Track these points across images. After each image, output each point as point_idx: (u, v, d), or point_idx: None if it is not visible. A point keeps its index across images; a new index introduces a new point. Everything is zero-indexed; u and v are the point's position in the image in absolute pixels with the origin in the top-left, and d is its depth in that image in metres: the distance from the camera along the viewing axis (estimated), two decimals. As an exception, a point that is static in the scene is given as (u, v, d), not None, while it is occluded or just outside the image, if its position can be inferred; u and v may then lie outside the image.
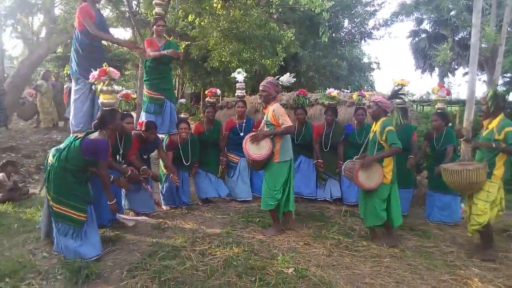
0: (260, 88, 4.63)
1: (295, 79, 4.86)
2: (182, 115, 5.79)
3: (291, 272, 3.56)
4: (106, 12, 14.42)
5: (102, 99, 3.98)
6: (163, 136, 5.67)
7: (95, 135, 3.71)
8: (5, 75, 13.53)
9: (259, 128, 4.80)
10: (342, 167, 4.76)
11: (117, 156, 4.66)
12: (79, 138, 3.71)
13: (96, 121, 3.81)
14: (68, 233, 3.66)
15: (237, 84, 6.48)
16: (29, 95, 14.26)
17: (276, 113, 4.44)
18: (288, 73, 4.86)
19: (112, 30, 19.08)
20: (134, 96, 5.52)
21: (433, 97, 5.81)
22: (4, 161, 6.42)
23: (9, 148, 8.86)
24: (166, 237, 4.46)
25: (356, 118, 6.08)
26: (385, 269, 3.78)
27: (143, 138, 5.04)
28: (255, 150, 4.41)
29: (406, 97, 6.23)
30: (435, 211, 5.47)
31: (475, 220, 4.17)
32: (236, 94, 6.59)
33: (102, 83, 3.98)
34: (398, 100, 4.75)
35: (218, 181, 6.08)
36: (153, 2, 5.77)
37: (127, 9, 10.71)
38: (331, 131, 6.03)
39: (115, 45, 19.02)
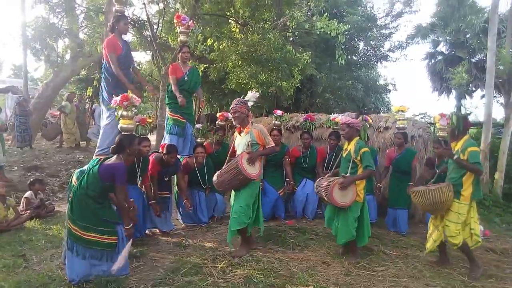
0: (231, 111, 4.72)
1: (258, 95, 4.94)
2: (198, 140, 5.99)
3: (311, 290, 3.63)
4: (129, 36, 14.99)
5: (121, 124, 4.09)
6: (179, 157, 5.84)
7: (112, 159, 3.79)
8: (30, 96, 14.03)
9: (240, 148, 4.75)
10: (315, 184, 4.85)
11: (136, 179, 4.90)
12: (98, 164, 3.77)
13: (114, 145, 3.86)
14: (102, 258, 3.73)
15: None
16: (51, 116, 14.75)
17: (263, 133, 4.62)
18: (251, 91, 4.91)
19: (133, 54, 19.72)
20: (150, 120, 5.65)
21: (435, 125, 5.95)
22: (32, 179, 6.68)
23: (34, 167, 9.14)
24: (187, 254, 4.58)
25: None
26: (403, 289, 3.82)
27: (164, 161, 5.21)
28: (251, 169, 4.44)
29: (408, 121, 6.42)
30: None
31: (451, 241, 4.27)
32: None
33: (122, 109, 4.10)
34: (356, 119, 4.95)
35: (221, 202, 6.22)
36: (178, 31, 6.06)
37: (149, 33, 11.13)
38: (333, 154, 6.18)
39: (138, 67, 19.69)
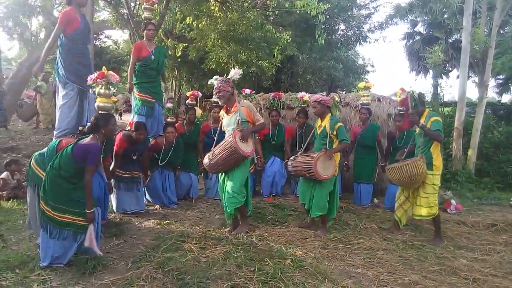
0: (215, 91, 4.65)
1: (241, 72, 4.91)
2: (169, 119, 5.85)
3: (289, 263, 3.74)
4: (105, 14, 14.64)
5: (98, 102, 3.96)
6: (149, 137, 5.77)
7: (87, 139, 3.63)
8: (4, 76, 13.63)
9: (226, 127, 4.79)
10: (289, 162, 4.94)
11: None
12: (71, 144, 3.64)
13: (90, 124, 3.74)
14: (75, 240, 3.60)
15: (214, 90, 6.65)
16: (27, 96, 14.38)
17: (251, 111, 4.61)
18: (235, 69, 4.85)
19: (110, 32, 19.19)
20: (115, 99, 5.51)
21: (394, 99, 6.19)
22: (8, 160, 6.57)
23: (10, 148, 8.98)
24: (168, 231, 4.63)
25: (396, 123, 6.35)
26: (377, 261, 3.97)
27: (133, 139, 5.06)
28: (245, 147, 4.44)
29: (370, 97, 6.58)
30: None
31: (429, 212, 4.52)
32: (212, 99, 6.74)
33: (99, 86, 3.97)
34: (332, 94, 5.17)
35: (195, 182, 6.25)
36: (142, 7, 5.83)
37: (126, 11, 10.90)
38: (302, 132, 6.32)
39: (114, 46, 19.26)
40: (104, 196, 4.54)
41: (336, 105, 4.97)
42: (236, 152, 4.33)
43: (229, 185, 4.58)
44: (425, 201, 4.51)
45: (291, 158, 4.97)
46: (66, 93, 4.68)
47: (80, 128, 4.18)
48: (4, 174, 6.16)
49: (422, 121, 4.48)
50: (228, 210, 4.59)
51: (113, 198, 5.22)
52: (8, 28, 12.71)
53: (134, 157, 5.24)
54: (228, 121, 4.68)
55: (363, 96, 6.29)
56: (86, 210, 3.56)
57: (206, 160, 4.63)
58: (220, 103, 4.88)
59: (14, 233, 4.52)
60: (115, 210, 5.24)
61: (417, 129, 4.63)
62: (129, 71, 5.72)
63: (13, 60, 24.73)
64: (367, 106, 6.24)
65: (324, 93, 5.10)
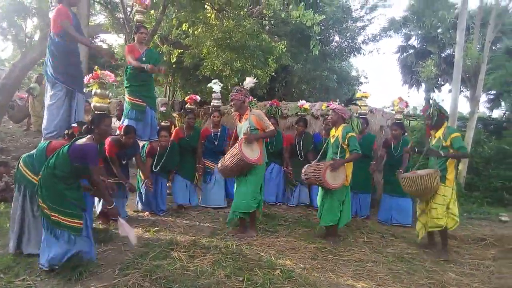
0: (230, 99, 4.90)
1: (255, 81, 5.05)
2: (163, 123, 5.79)
3: (278, 274, 3.71)
4: (100, 18, 14.60)
5: (94, 102, 4.00)
6: (144, 143, 5.72)
7: (83, 140, 3.60)
8: (-4, 77, 13.50)
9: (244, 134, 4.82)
10: (303, 171, 4.98)
11: None
12: (67, 144, 3.62)
13: (86, 125, 3.75)
14: (69, 241, 3.54)
15: (213, 95, 6.67)
16: (18, 98, 14.23)
17: (261, 118, 4.76)
18: (249, 77, 4.99)
19: (105, 36, 19.13)
20: (108, 101, 5.32)
21: (391, 109, 6.30)
22: (-4, 162, 6.49)
23: (0, 150, 8.88)
24: (156, 239, 4.58)
25: (324, 128, 6.49)
26: (367, 273, 3.96)
27: (122, 143, 4.97)
28: (251, 153, 4.60)
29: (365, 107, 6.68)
30: (392, 214, 5.91)
31: (435, 223, 4.56)
32: (212, 104, 6.75)
33: (96, 86, 3.97)
34: (353, 107, 5.13)
35: (192, 189, 6.20)
36: (134, 10, 5.80)
37: (122, 15, 10.87)
38: (301, 140, 6.35)
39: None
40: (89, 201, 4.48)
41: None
42: (241, 159, 4.52)
43: (241, 189, 4.77)
44: (434, 212, 4.55)
45: (305, 166, 5.00)
46: (54, 93, 4.54)
47: (66, 131, 4.14)
48: (-8, 176, 6.08)
49: (439, 133, 4.53)
50: (237, 212, 4.75)
51: (96, 205, 5.09)
52: (2, 28, 12.64)
53: (124, 162, 5.18)
54: (240, 128, 4.88)
55: (362, 106, 6.34)
56: (107, 207, 3.77)
57: (219, 165, 4.88)
58: (232, 110, 5.10)
59: (0, 236, 4.43)
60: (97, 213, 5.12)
61: (433, 141, 4.65)
62: (135, 65, 5.48)
63: (6, 61, 24.51)
64: (365, 116, 6.28)
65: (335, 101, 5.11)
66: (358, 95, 6.56)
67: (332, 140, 4.87)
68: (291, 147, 6.50)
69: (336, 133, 4.79)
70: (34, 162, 3.85)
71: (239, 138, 4.83)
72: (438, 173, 4.46)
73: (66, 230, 3.53)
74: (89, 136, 3.64)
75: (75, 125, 4.16)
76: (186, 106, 6.55)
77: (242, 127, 4.82)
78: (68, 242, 3.54)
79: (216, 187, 6.25)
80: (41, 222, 3.64)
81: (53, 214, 3.50)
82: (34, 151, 4.00)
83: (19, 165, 3.94)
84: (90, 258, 3.68)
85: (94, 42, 17.92)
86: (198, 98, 6.71)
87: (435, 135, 4.66)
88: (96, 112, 3.90)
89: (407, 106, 6.35)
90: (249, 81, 4.91)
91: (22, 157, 4.01)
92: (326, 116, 6.67)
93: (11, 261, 3.71)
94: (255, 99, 7.10)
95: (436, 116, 4.56)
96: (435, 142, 4.61)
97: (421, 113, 5.10)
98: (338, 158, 4.68)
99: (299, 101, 7.45)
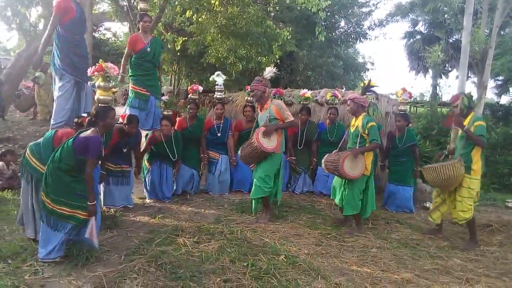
0: (250, 90, 5.05)
1: (276, 70, 5.06)
2: (165, 112, 5.76)
3: (282, 259, 3.74)
4: (105, 6, 14.54)
5: (98, 95, 3.94)
6: (148, 132, 5.73)
7: (87, 132, 3.59)
8: (2, 66, 13.56)
9: (263, 124, 4.91)
10: (323, 160, 4.95)
11: None
12: (71, 137, 3.60)
13: (91, 118, 3.71)
14: (74, 231, 3.58)
15: (216, 87, 6.63)
16: (24, 87, 14.30)
17: (280, 108, 4.79)
18: (269, 67, 5.01)
19: (109, 24, 19.09)
20: (115, 90, 5.50)
21: (394, 98, 6.20)
22: (3, 150, 6.55)
23: (6, 139, 8.96)
24: (162, 225, 4.63)
25: (329, 117, 6.51)
26: (371, 258, 3.97)
27: (124, 131, 4.99)
28: (267, 143, 4.69)
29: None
30: (396, 202, 5.95)
31: (462, 216, 4.47)
32: (214, 96, 6.70)
33: (99, 79, 3.93)
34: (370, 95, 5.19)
35: (196, 177, 6.19)
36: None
37: (125, 3, 10.82)
38: (305, 129, 6.32)
39: (113, 38, 19.18)
40: (96, 189, 4.52)
41: (376, 107, 5.05)
42: (258, 147, 4.66)
43: (255, 175, 4.94)
44: (459, 205, 4.49)
45: (325, 156, 4.95)
46: (62, 84, 4.64)
47: (75, 119, 4.15)
48: (-1, 164, 6.14)
49: (465, 123, 4.45)
50: (252, 197, 4.92)
51: (101, 192, 5.11)
52: (6, 18, 12.58)
53: (125, 150, 5.18)
54: (261, 118, 4.97)
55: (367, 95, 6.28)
56: (88, 203, 3.54)
57: (239, 152, 5.07)
58: (254, 101, 5.29)
59: (7, 223, 4.50)
60: (102, 204, 5.11)
61: (459, 132, 4.60)
62: (122, 63, 5.67)
63: (11, 51, 24.58)
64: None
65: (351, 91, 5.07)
66: (362, 83, 6.48)
67: (352, 129, 4.82)
68: (294, 135, 6.48)
69: (356, 122, 4.73)
70: (40, 151, 3.87)
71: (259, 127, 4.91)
72: (462, 163, 4.38)
73: (72, 222, 3.53)
74: (93, 128, 3.62)
75: (85, 115, 4.19)
76: (188, 96, 6.49)
77: (262, 116, 4.91)
78: (70, 234, 3.55)
79: (220, 176, 6.27)
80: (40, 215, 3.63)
81: (58, 207, 3.50)
82: (40, 139, 4.01)
83: (26, 154, 3.96)
84: (91, 244, 3.67)
85: (98, 30, 17.91)
86: (200, 88, 6.67)
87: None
88: (100, 104, 3.87)
89: (411, 97, 6.28)
90: (269, 71, 4.95)
91: (28, 146, 4.03)
92: (330, 105, 6.66)
93: (19, 247, 3.76)
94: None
95: (466, 107, 4.51)
96: (461, 132, 4.54)
97: (451, 102, 5.01)
98: (357, 147, 4.64)
99: (301, 89, 7.35)
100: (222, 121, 6.30)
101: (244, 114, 6.53)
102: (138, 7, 5.86)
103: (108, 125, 3.86)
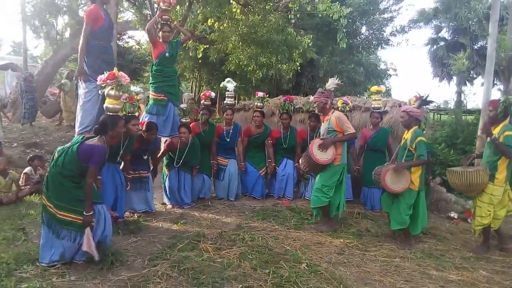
0: (312, 102, 5.36)
1: (339, 81, 5.07)
2: (183, 120, 5.81)
3: (304, 267, 3.73)
4: (128, 15, 14.86)
5: (107, 103, 3.94)
6: (167, 138, 5.78)
7: (94, 140, 3.56)
8: (34, 74, 13.97)
9: (321, 135, 5.02)
10: (373, 172, 4.96)
11: (117, 158, 4.64)
12: (77, 142, 3.59)
13: (97, 125, 3.65)
14: (76, 239, 3.50)
15: (227, 93, 6.67)
16: (50, 93, 14.70)
17: (340, 120, 4.79)
18: (332, 78, 5.06)
19: (133, 33, 19.47)
20: (138, 97, 5.41)
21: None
22: (31, 155, 6.73)
23: (33, 144, 9.18)
24: (184, 231, 4.68)
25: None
26: (394, 268, 3.91)
27: (144, 138, 5.07)
28: (321, 154, 4.74)
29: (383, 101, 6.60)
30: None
31: (479, 221, 4.46)
32: (225, 102, 6.73)
33: (109, 87, 3.94)
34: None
35: (208, 182, 6.23)
36: (159, 7, 5.71)
37: (149, 12, 11.04)
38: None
39: (137, 46, 19.55)
40: (120, 194, 4.62)
41: (426, 119, 5.00)
42: (311, 158, 4.75)
43: (315, 185, 5.02)
44: (478, 210, 4.47)
45: (375, 168, 4.95)
46: (89, 90, 4.74)
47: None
48: (27, 169, 6.31)
49: (496, 131, 4.39)
50: (311, 206, 5.04)
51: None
52: (35, 27, 13.01)
53: (145, 157, 5.28)
54: (322, 129, 5.06)
55: (375, 100, 6.26)
56: (84, 213, 3.45)
57: (300, 161, 5.21)
58: (317, 112, 5.52)
59: (35, 226, 4.62)
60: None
61: (488, 139, 4.55)
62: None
63: (38, 58, 25.30)
64: (379, 110, 6.19)
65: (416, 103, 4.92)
66: (372, 89, 6.44)
67: (402, 142, 4.76)
68: (303, 141, 6.47)
69: (406, 135, 4.65)
70: None
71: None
72: (487, 171, 4.34)
73: (73, 229, 3.49)
74: (99, 137, 3.58)
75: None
76: (201, 102, 6.56)
77: (322, 127, 4.99)
78: (73, 241, 3.51)
79: (230, 182, 6.30)
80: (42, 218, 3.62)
81: (59, 212, 3.47)
82: (67, 145, 4.11)
83: (53, 158, 4.06)
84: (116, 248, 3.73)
85: (122, 39, 18.30)
86: (213, 94, 6.72)
87: (492, 132, 4.52)
88: (109, 113, 3.89)
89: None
90: (331, 83, 4.98)
91: (56, 150, 4.12)
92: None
93: (46, 250, 3.85)
94: (267, 95, 7.05)
95: (503, 112, 4.41)
96: (489, 139, 4.50)
97: (489, 107, 4.90)
98: (403, 161, 4.58)
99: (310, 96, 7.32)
100: (231, 126, 6.36)
101: (253, 120, 6.57)
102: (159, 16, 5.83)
103: (117, 134, 3.88)
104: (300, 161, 5.19)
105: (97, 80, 4.58)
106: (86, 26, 4.65)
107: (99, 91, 4.68)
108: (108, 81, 3.93)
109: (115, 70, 4.00)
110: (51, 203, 3.50)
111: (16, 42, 36.71)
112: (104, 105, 4.01)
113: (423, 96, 4.86)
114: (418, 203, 4.65)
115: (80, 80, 4.81)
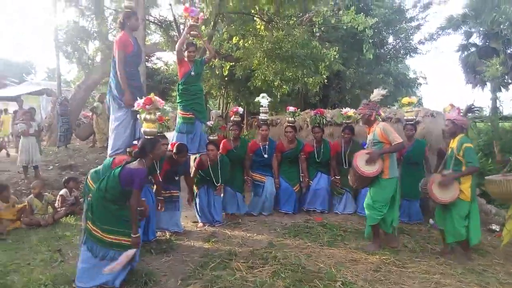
0: (358, 113, 5.31)
1: (383, 93, 5.02)
2: (210, 137, 5.79)
3: (339, 286, 3.62)
4: (156, 37, 15.26)
5: (144, 127, 4.03)
6: (196, 155, 5.81)
7: (134, 164, 3.66)
8: (69, 98, 14.50)
9: (366, 147, 4.97)
10: (419, 184, 4.84)
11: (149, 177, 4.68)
12: (119, 167, 3.70)
13: (137, 150, 3.76)
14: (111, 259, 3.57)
15: (261, 108, 6.67)
16: (84, 116, 15.20)
17: (385, 131, 4.64)
18: (376, 90, 5.00)
19: (161, 54, 19.95)
20: (167, 118, 5.58)
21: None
22: (66, 177, 6.93)
23: (68, 166, 9.46)
24: (215, 249, 4.65)
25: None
26: (434, 285, 3.75)
27: (174, 160, 5.07)
28: (367, 167, 4.59)
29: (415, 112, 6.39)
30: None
31: (510, 236, 4.37)
32: (259, 118, 6.73)
33: (146, 112, 4.02)
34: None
35: (241, 198, 6.19)
36: (187, 24, 5.79)
37: (175, 33, 11.30)
38: (348, 148, 6.17)
39: (165, 67, 20.03)
40: (152, 214, 4.66)
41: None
42: (356, 171, 4.62)
43: (365, 201, 4.86)
44: (509, 222, 4.32)
45: (423, 179, 4.86)
46: (120, 114, 4.87)
47: (129, 149, 4.31)
48: (62, 191, 6.48)
49: None
50: (367, 224, 4.83)
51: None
52: (67, 52, 13.54)
53: (176, 178, 5.31)
54: (368, 141, 4.95)
55: (407, 112, 6.07)
56: (132, 235, 3.57)
57: (348, 176, 5.08)
58: (361, 124, 5.47)
59: (71, 248, 4.72)
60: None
61: None
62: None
63: (71, 83, 26.30)
64: (412, 122, 6.02)
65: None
66: (404, 100, 6.26)
67: (449, 151, 4.60)
68: (337, 154, 6.38)
69: (453, 144, 4.50)
70: (100, 177, 4.06)
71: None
72: None
73: (117, 249, 3.55)
74: (139, 160, 3.68)
75: (136, 142, 4.34)
76: (231, 118, 6.58)
77: (368, 139, 4.90)
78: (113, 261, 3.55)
79: (267, 199, 6.24)
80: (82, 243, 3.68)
81: (107, 236, 3.56)
82: (100, 166, 4.21)
83: (87, 180, 4.16)
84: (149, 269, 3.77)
85: (151, 60, 18.79)
86: (240, 109, 6.74)
87: None
88: (146, 137, 3.97)
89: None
90: (376, 94, 4.93)
91: (90, 172, 4.24)
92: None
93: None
94: (298, 109, 7.01)
95: None
96: None
97: (448, 114, 4.73)
98: (451, 171, 4.42)
99: (343, 108, 7.19)
100: (267, 142, 6.31)
101: (285, 135, 6.52)
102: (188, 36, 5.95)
103: (157, 156, 3.92)
104: (348, 177, 5.05)
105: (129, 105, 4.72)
106: (119, 53, 4.78)
107: (131, 116, 4.82)
108: (147, 106, 4.00)
109: (152, 95, 4.06)
110: (97, 227, 3.59)
111: (50, 68, 38.45)
112: (142, 129, 4.11)
113: (470, 104, 4.70)
114: (471, 214, 4.40)
115: (128, 107, 4.89)
